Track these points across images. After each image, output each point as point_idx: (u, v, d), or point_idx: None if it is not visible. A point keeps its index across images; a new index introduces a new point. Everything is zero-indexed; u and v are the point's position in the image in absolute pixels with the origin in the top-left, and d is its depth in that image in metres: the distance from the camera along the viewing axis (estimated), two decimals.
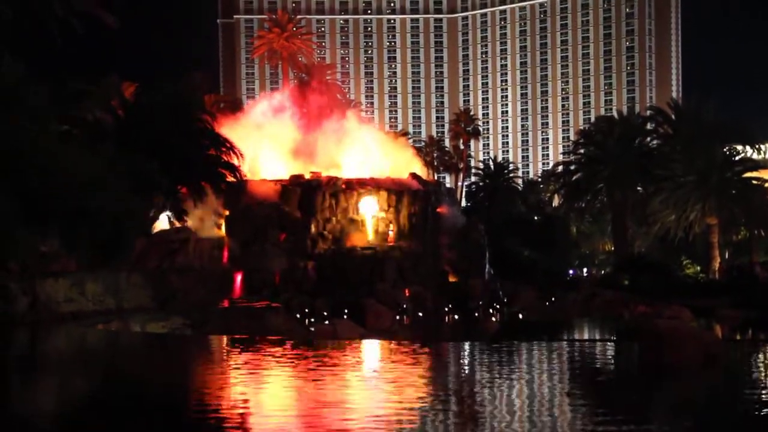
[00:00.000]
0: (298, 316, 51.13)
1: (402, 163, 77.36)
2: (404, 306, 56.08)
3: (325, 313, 52.06)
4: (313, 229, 61.57)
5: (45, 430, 15.16)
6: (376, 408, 16.21)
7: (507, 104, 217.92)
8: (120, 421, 15.34)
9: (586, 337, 44.30)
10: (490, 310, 58.51)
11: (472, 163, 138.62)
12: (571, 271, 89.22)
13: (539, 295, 62.22)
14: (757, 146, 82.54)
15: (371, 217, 64.09)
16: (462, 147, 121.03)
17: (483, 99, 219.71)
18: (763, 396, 18.01)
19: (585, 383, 20.04)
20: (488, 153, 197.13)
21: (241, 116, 78.08)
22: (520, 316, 57.15)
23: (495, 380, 20.03)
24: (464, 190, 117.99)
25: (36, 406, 17.26)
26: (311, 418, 15.24)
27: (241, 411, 16.33)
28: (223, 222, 60.78)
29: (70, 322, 39.16)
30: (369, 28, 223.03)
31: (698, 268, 72.07)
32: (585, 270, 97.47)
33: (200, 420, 15.42)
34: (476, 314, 56.83)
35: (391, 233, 63.47)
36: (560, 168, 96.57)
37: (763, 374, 22.47)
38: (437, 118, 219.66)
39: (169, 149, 49.82)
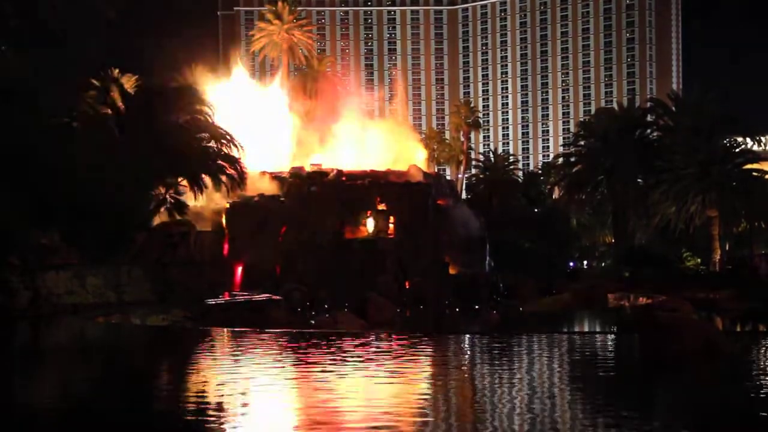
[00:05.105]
0: (299, 309, 51.19)
1: (405, 153, 77.54)
2: (405, 298, 56.14)
3: (326, 306, 52.11)
4: (314, 221, 61.56)
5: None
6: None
7: (507, 96, 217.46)
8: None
9: (586, 329, 44.37)
10: (491, 303, 58.54)
11: (473, 155, 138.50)
12: (571, 264, 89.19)
13: (540, 287, 62.24)
14: (757, 138, 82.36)
15: (372, 209, 64.10)
16: (462, 139, 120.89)
17: (483, 91, 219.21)
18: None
19: (586, 374, 20.07)
20: (488, 145, 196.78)
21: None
22: (521, 308, 57.16)
23: (496, 372, 20.07)
24: (465, 182, 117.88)
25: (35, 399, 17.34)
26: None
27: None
28: (223, 214, 60.82)
29: (70, 315, 39.22)
30: (369, 20, 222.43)
31: (699, 260, 72.02)
32: (585, 262, 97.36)
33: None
34: (477, 306, 56.86)
35: (391, 225, 63.47)
36: (561, 160, 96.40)
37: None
38: (437, 110, 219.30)
39: (169, 142, 49.82)
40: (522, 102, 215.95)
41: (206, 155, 53.91)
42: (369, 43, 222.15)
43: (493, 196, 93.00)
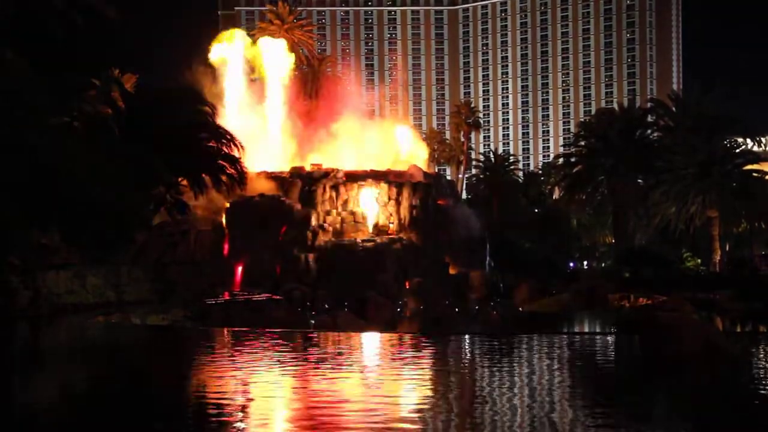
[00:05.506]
0: (299, 308, 51.21)
1: (406, 153, 77.48)
2: (405, 298, 56.15)
3: (326, 306, 52.13)
4: (313, 221, 61.59)
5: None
6: None
7: (508, 96, 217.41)
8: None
9: (586, 329, 44.34)
10: (491, 303, 58.53)
11: (473, 156, 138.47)
12: (571, 264, 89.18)
13: (540, 287, 62.20)
14: (757, 138, 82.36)
15: (372, 209, 64.13)
16: (463, 139, 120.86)
17: (484, 91, 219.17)
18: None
19: (586, 375, 20.06)
20: (489, 145, 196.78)
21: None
22: (521, 308, 57.14)
23: (496, 373, 20.06)
24: (465, 182, 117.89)
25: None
26: None
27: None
28: (223, 214, 60.81)
29: (70, 314, 39.24)
30: (369, 20, 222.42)
31: (699, 260, 71.99)
32: (585, 262, 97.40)
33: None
34: (477, 307, 56.86)
35: (392, 225, 63.50)
36: (561, 160, 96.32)
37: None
38: (438, 110, 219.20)
39: (170, 141, 49.70)
40: (522, 102, 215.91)
41: (206, 155, 53.77)
42: (369, 43, 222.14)
43: (494, 196, 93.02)
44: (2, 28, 29.81)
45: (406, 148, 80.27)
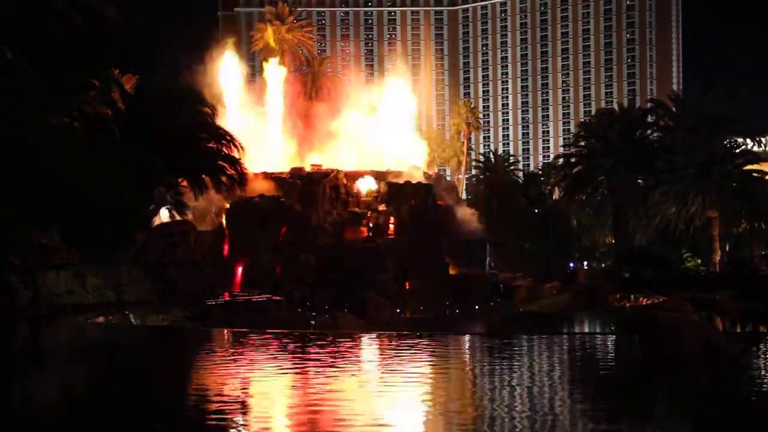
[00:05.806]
0: (299, 309, 51.22)
1: (406, 153, 77.52)
2: (405, 299, 56.14)
3: (327, 306, 52.13)
4: (313, 221, 61.60)
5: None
6: None
7: (507, 97, 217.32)
8: None
9: (586, 329, 44.33)
10: (491, 303, 58.52)
11: (473, 156, 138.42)
12: (571, 264, 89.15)
13: (539, 287, 62.20)
14: (757, 138, 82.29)
15: (372, 209, 64.13)
16: (462, 140, 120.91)
17: (483, 91, 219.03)
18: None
19: (586, 375, 20.04)
20: (489, 146, 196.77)
21: None
22: (521, 309, 57.13)
23: (496, 373, 20.05)
24: (465, 182, 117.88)
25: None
26: None
27: None
28: (223, 214, 60.83)
29: (70, 314, 39.23)
30: (369, 21, 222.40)
31: (699, 261, 71.91)
32: (585, 263, 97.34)
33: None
34: (477, 307, 56.85)
35: (391, 226, 63.50)
36: (561, 160, 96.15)
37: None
38: (437, 110, 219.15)
39: (170, 142, 49.72)
40: (522, 103, 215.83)
41: (206, 155, 53.81)
42: (369, 44, 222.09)
43: (493, 196, 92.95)
44: (2, 28, 29.80)
45: (405, 148, 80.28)
